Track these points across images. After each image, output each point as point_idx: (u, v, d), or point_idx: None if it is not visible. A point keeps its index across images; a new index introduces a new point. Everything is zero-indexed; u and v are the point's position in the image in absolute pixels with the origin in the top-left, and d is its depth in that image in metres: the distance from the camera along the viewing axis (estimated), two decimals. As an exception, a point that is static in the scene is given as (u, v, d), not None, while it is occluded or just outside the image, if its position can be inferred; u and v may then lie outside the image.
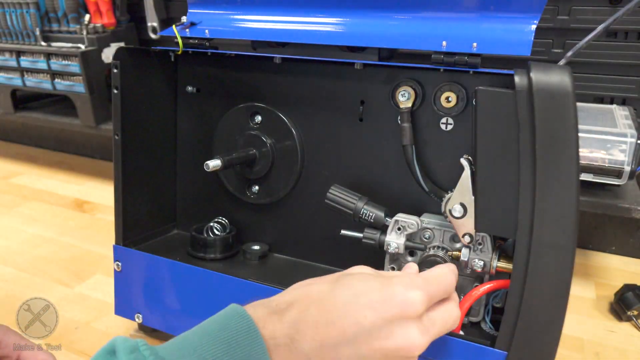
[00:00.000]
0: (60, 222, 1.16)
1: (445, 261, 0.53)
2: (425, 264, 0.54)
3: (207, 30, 0.65)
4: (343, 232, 0.61)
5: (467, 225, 0.51)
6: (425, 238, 0.55)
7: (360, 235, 0.59)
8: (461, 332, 0.53)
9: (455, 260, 0.54)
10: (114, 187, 0.67)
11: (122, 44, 1.07)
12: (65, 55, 1.15)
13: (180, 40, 0.65)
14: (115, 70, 0.63)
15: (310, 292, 0.41)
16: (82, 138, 1.57)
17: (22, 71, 1.24)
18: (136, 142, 0.67)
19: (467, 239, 0.53)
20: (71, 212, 1.21)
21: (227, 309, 0.40)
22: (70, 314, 0.82)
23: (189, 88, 0.70)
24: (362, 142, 0.61)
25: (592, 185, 0.78)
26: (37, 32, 1.18)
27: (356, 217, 0.57)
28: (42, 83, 1.22)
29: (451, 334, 0.52)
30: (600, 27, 0.50)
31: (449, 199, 0.52)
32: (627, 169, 0.72)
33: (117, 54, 0.62)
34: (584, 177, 0.75)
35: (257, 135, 0.65)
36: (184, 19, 0.67)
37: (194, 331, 0.38)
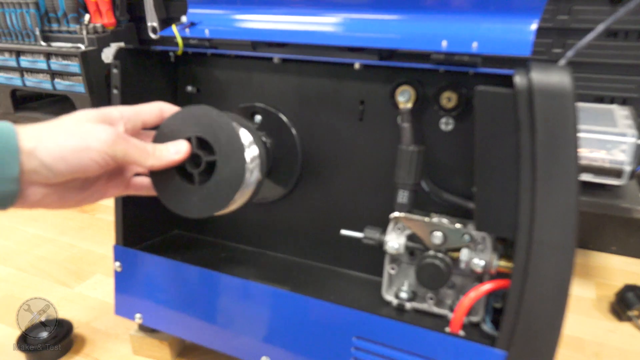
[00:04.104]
0: (60, 222, 1.16)
1: (445, 261, 0.53)
2: (423, 265, 0.54)
3: (207, 30, 0.65)
4: (343, 231, 0.61)
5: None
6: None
7: (361, 235, 0.59)
8: (461, 332, 0.53)
9: (455, 260, 0.54)
10: (114, 187, 0.67)
11: (122, 44, 1.07)
12: (65, 55, 1.15)
13: (180, 40, 0.65)
14: (115, 70, 0.63)
15: None
16: (82, 138, 1.57)
17: (22, 71, 1.24)
18: (136, 142, 0.67)
19: (467, 238, 0.53)
20: (71, 212, 1.21)
21: None
22: (70, 314, 0.82)
23: (189, 88, 0.70)
24: (362, 142, 0.61)
25: (592, 185, 0.78)
26: (37, 32, 1.18)
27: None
28: (42, 83, 1.22)
29: (451, 334, 0.52)
30: (600, 27, 0.50)
31: None
32: (627, 169, 0.72)
33: (117, 54, 0.62)
34: (584, 177, 0.75)
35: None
36: (184, 19, 0.67)
37: None
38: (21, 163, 0.40)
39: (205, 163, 0.50)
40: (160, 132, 0.51)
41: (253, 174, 0.53)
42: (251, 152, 0.53)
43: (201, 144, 0.50)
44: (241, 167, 0.49)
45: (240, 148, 0.49)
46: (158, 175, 0.51)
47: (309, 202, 0.66)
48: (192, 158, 0.50)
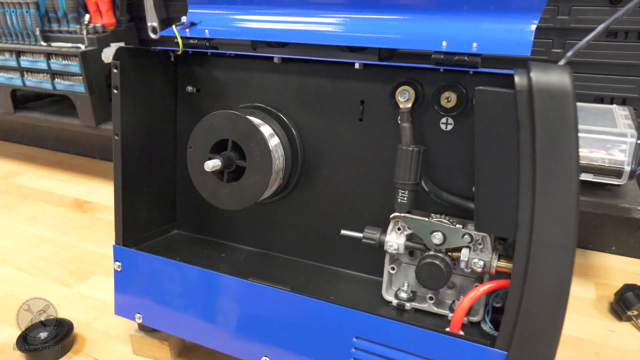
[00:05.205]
0: (60, 222, 1.16)
1: (445, 261, 0.53)
2: (423, 265, 0.54)
3: (207, 30, 0.65)
4: (343, 232, 0.61)
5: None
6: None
7: (360, 235, 0.59)
8: (461, 332, 0.53)
9: (455, 260, 0.54)
10: (114, 187, 0.67)
11: (122, 44, 1.07)
12: (65, 55, 1.15)
13: (180, 40, 0.65)
14: (115, 70, 0.63)
15: None
16: (82, 138, 1.57)
17: (22, 71, 1.24)
18: (136, 142, 0.67)
19: (467, 239, 0.53)
20: (71, 212, 1.21)
21: None
22: (70, 314, 0.82)
23: (189, 88, 0.70)
24: (362, 142, 0.61)
25: (592, 185, 0.78)
26: (37, 32, 1.18)
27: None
28: (42, 83, 1.22)
29: (451, 334, 0.52)
30: (600, 27, 0.50)
31: None
32: (627, 169, 0.72)
33: (117, 54, 0.62)
34: (584, 177, 0.75)
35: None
36: (184, 19, 0.67)
37: None
38: None
39: (235, 166, 0.58)
40: (200, 127, 0.57)
41: (274, 184, 0.60)
42: (278, 166, 0.59)
43: (235, 148, 0.57)
44: (266, 180, 0.57)
45: (269, 165, 0.57)
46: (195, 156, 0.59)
47: (309, 202, 0.66)
48: (225, 159, 0.57)
